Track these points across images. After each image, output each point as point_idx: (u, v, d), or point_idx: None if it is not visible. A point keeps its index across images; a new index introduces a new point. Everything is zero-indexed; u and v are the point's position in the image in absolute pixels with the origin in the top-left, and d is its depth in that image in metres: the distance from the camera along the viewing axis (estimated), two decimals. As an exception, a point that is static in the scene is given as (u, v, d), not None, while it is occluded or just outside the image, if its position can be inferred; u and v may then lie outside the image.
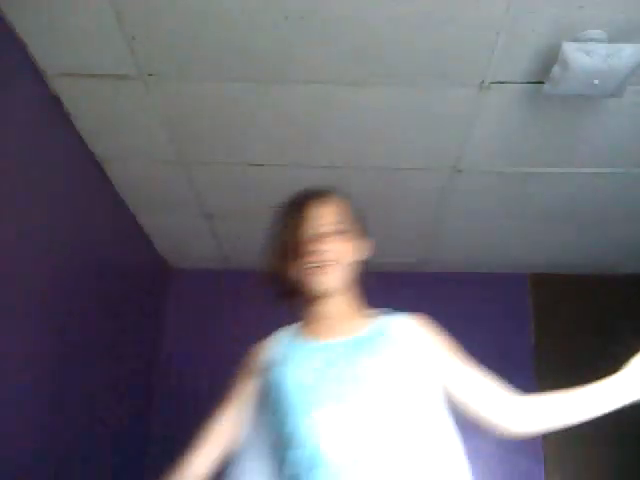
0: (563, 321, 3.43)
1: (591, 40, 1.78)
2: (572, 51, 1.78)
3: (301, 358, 1.30)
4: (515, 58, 1.90)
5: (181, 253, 3.44)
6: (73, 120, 2.22)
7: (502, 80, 2.00)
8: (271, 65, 1.94)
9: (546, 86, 1.95)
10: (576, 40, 1.79)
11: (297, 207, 1.41)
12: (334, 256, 1.33)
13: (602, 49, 1.77)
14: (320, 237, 1.33)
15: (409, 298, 3.41)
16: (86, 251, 2.43)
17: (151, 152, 2.43)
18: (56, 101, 2.10)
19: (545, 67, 1.90)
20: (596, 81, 1.86)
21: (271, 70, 1.96)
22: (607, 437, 3.18)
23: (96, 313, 2.54)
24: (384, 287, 3.66)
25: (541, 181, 2.59)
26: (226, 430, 1.39)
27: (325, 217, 1.37)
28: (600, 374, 3.57)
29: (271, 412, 1.31)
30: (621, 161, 2.43)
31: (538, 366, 3.33)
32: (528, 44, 1.84)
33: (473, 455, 3.62)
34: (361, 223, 1.46)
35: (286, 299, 1.45)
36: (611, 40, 1.78)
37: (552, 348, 3.36)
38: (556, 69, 1.86)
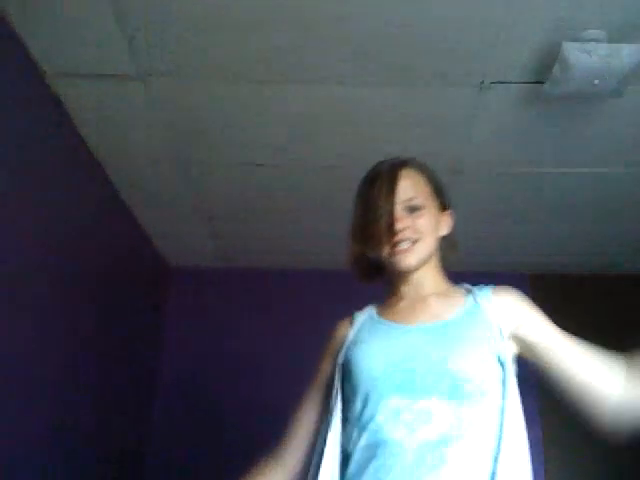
0: (563, 321, 3.42)
1: (591, 40, 1.78)
2: (572, 51, 1.78)
3: (383, 340, 1.25)
4: (515, 58, 1.90)
5: (181, 253, 3.44)
6: (73, 120, 2.22)
7: (502, 80, 2.00)
8: (271, 65, 1.94)
9: (546, 86, 1.95)
10: (576, 40, 1.79)
11: (372, 184, 1.35)
12: (413, 234, 1.28)
13: (602, 49, 1.77)
14: (397, 216, 1.28)
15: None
16: (86, 251, 2.43)
17: (151, 152, 2.43)
18: (56, 101, 2.10)
19: (545, 67, 1.90)
20: (596, 81, 1.86)
21: (271, 70, 1.96)
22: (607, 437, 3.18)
23: (96, 313, 2.54)
24: (384, 287, 3.66)
25: (541, 181, 2.59)
26: (313, 418, 1.34)
27: (402, 193, 1.31)
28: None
29: (347, 391, 1.26)
30: (621, 161, 2.43)
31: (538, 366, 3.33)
32: (528, 44, 1.84)
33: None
34: (442, 194, 1.40)
35: (370, 279, 1.42)
36: (611, 40, 1.78)
37: (552, 348, 3.36)
38: (556, 69, 1.86)
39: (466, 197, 2.73)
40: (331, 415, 1.25)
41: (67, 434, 2.28)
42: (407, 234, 1.28)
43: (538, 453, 3.17)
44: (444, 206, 1.40)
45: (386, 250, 1.29)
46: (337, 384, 1.28)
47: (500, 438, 1.13)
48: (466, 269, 3.45)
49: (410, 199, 1.31)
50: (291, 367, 3.17)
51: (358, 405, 1.20)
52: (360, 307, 1.42)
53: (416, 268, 1.30)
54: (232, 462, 3.28)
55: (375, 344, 1.25)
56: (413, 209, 1.30)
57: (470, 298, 1.31)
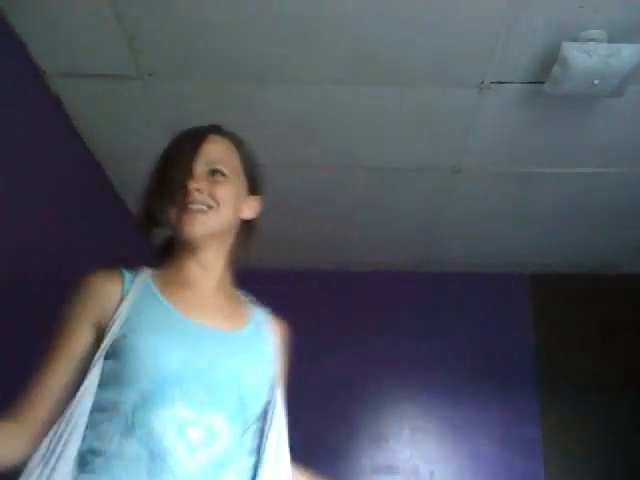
0: (563, 321, 3.43)
1: (591, 40, 1.78)
2: (572, 51, 1.78)
3: (176, 334, 1.06)
4: (515, 58, 1.90)
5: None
6: (73, 120, 2.22)
7: (502, 80, 1.99)
8: (271, 65, 1.94)
9: (546, 86, 1.95)
10: (576, 40, 1.79)
11: (178, 142, 1.24)
12: (208, 199, 1.13)
13: (602, 49, 1.77)
14: (195, 174, 1.14)
15: (409, 298, 3.44)
16: (86, 251, 2.43)
17: (151, 152, 2.42)
18: (56, 101, 2.10)
19: (545, 67, 1.90)
20: (596, 81, 1.86)
21: (271, 70, 1.96)
22: (607, 437, 3.18)
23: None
24: (384, 287, 3.67)
25: (541, 181, 2.59)
26: (62, 389, 1.09)
27: (206, 154, 1.19)
28: (600, 374, 3.60)
29: (109, 374, 1.05)
30: (621, 161, 2.43)
31: (538, 366, 3.33)
32: (528, 44, 1.84)
33: (474, 455, 3.63)
34: (254, 177, 1.29)
35: (160, 255, 1.23)
36: (611, 40, 1.78)
37: (552, 348, 3.36)
38: (556, 69, 1.86)
39: (466, 197, 2.73)
40: (79, 393, 1.04)
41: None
42: (200, 197, 1.13)
43: (538, 453, 3.17)
44: (254, 190, 1.28)
45: (174, 211, 1.13)
46: (99, 360, 1.05)
47: (261, 460, 1.08)
48: (466, 269, 3.47)
49: (214, 162, 1.18)
50: (290, 367, 3.17)
51: (128, 400, 1.01)
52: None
53: (201, 240, 1.14)
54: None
55: (167, 336, 1.05)
56: (215, 173, 1.17)
57: (255, 311, 1.23)
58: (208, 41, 1.85)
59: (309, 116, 2.19)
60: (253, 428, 1.10)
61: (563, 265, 3.44)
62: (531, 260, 3.40)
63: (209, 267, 1.18)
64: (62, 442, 0.99)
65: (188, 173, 1.14)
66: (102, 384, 1.04)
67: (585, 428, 3.20)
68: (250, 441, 1.09)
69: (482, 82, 2.00)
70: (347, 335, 3.18)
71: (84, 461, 1.00)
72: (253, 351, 1.14)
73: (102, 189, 2.60)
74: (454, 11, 1.73)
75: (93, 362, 1.05)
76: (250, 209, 1.27)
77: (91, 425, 1.01)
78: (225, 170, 1.19)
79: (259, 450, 1.09)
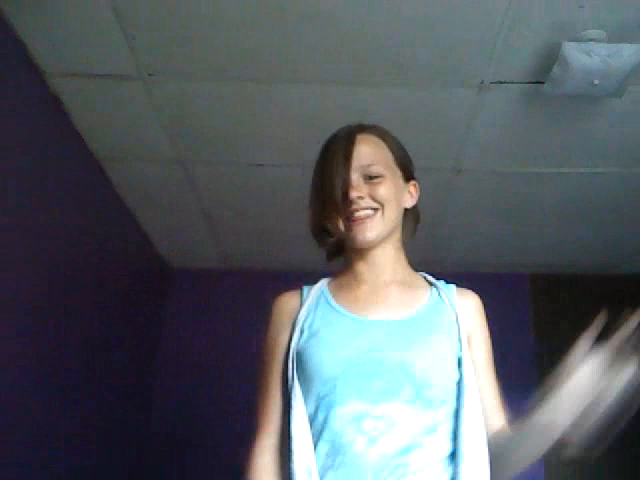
0: (563, 321, 3.43)
1: (591, 40, 1.78)
2: (572, 51, 1.78)
3: (341, 334, 1.11)
4: (515, 58, 1.90)
5: (181, 253, 3.44)
6: (73, 120, 2.22)
7: (502, 80, 1.99)
8: (271, 65, 1.94)
9: (546, 86, 1.95)
10: (576, 40, 1.79)
11: (329, 150, 1.24)
12: (372, 203, 1.16)
13: (602, 49, 1.77)
14: (352, 184, 1.16)
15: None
16: (86, 251, 2.43)
17: (151, 152, 2.43)
18: (56, 101, 2.10)
19: (545, 67, 1.90)
20: (596, 81, 1.86)
21: (271, 70, 1.96)
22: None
23: (96, 313, 2.54)
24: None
25: (541, 181, 2.59)
26: (281, 407, 1.15)
27: (358, 159, 1.19)
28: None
29: (301, 386, 1.11)
30: (621, 161, 2.43)
31: (538, 366, 3.34)
32: (528, 44, 1.84)
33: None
34: (406, 162, 1.28)
35: (333, 255, 1.28)
36: (611, 40, 1.78)
37: (552, 348, 3.36)
38: (556, 69, 1.86)
39: (466, 197, 2.73)
40: (291, 407, 1.09)
41: (66, 434, 2.28)
42: (364, 203, 1.16)
43: (538, 453, 3.17)
44: (408, 176, 1.26)
45: (342, 223, 1.17)
46: (293, 374, 1.12)
47: (458, 442, 1.06)
48: (466, 269, 3.47)
49: (368, 165, 1.19)
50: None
51: (311, 406, 1.09)
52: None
53: (375, 243, 1.18)
54: (232, 461, 3.28)
55: (332, 338, 1.11)
56: (372, 177, 1.18)
57: (434, 292, 1.21)
58: (208, 41, 1.85)
59: (310, 116, 2.19)
60: (447, 409, 1.08)
61: (563, 265, 3.44)
62: (531, 260, 3.40)
63: (379, 263, 1.21)
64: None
65: (347, 183, 1.16)
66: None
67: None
68: (446, 424, 1.07)
69: (482, 82, 2.00)
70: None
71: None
72: (426, 331, 1.12)
73: (102, 189, 2.60)
74: (454, 11, 1.73)
75: (291, 379, 1.12)
76: (410, 197, 1.26)
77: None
78: (380, 170, 1.19)
79: (458, 430, 1.07)
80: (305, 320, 1.16)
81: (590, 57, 1.78)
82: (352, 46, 1.86)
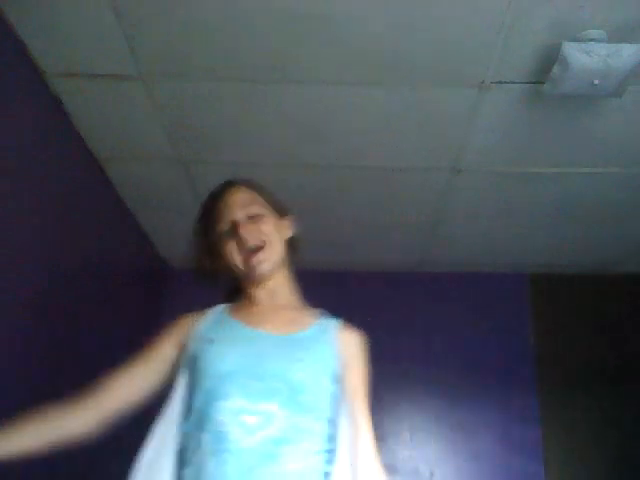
0: (563, 321, 3.43)
1: (591, 40, 1.78)
2: (572, 51, 1.78)
3: (233, 340, 1.29)
4: (515, 58, 1.90)
5: (181, 253, 3.42)
6: (73, 120, 2.22)
7: (502, 80, 2.00)
8: (271, 65, 1.94)
9: (546, 86, 1.95)
10: (576, 40, 1.79)
11: (211, 204, 1.43)
12: (260, 237, 1.35)
13: (602, 49, 1.77)
14: (240, 223, 1.35)
15: (409, 298, 3.44)
16: (86, 251, 2.43)
17: (151, 152, 2.43)
18: (56, 101, 2.10)
19: (545, 67, 1.90)
20: (596, 81, 1.86)
21: (271, 70, 1.96)
22: (607, 437, 3.18)
23: (95, 313, 2.54)
24: (384, 287, 3.67)
25: (541, 181, 2.59)
26: (135, 386, 1.38)
27: (238, 205, 1.39)
28: (600, 374, 3.59)
29: (188, 387, 1.29)
30: (621, 161, 2.43)
31: (538, 366, 3.34)
32: (528, 44, 1.84)
33: (473, 455, 3.63)
34: (277, 203, 1.48)
35: (232, 294, 1.46)
36: (611, 40, 1.78)
37: (552, 348, 3.36)
38: (556, 69, 1.86)
39: (466, 197, 2.73)
40: (167, 406, 1.29)
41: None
42: (253, 239, 1.34)
43: (538, 453, 3.17)
44: (282, 214, 1.47)
45: (238, 260, 1.36)
46: (182, 375, 1.31)
47: (334, 444, 1.23)
48: (466, 269, 3.47)
49: (248, 209, 1.38)
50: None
51: (198, 401, 1.24)
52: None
53: (271, 273, 1.37)
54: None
55: (225, 343, 1.28)
56: (253, 217, 1.38)
57: (321, 319, 1.39)
58: (208, 41, 1.85)
59: (309, 116, 2.19)
60: (322, 415, 1.24)
61: (563, 265, 3.44)
62: (531, 260, 3.40)
63: (273, 289, 1.39)
64: (165, 444, 1.25)
65: (236, 225, 1.35)
66: (184, 394, 1.28)
67: (585, 428, 3.20)
68: (321, 428, 1.23)
69: (482, 82, 2.00)
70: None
71: (181, 458, 1.23)
72: (307, 349, 1.29)
73: (102, 189, 2.60)
74: (454, 11, 1.73)
75: (177, 374, 1.31)
76: (288, 229, 1.47)
77: (179, 428, 1.26)
78: (258, 209, 1.40)
79: (332, 437, 1.25)
80: (204, 330, 1.34)
81: (590, 57, 1.78)
82: (352, 46, 1.86)
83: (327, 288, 3.43)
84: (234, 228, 1.35)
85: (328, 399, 1.26)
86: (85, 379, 2.45)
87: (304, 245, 1.50)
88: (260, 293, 1.39)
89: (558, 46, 1.80)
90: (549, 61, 1.87)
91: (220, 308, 1.42)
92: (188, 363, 1.31)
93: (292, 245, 1.48)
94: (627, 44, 1.77)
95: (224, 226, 1.37)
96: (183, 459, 1.23)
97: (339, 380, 1.29)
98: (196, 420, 1.23)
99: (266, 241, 1.36)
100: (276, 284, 1.40)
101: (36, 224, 2.01)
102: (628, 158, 2.41)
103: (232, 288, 1.46)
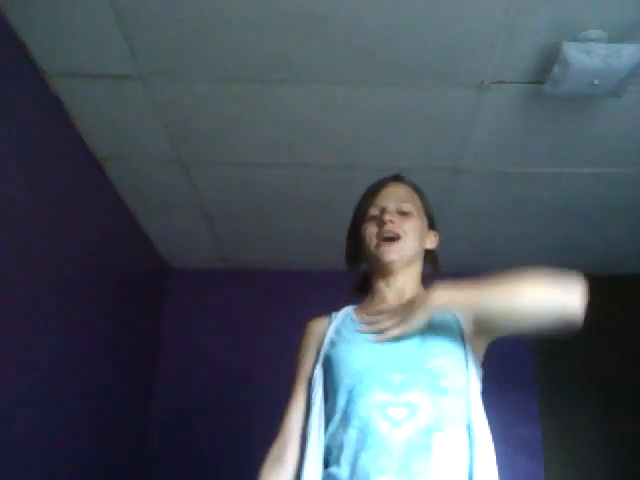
0: (563, 321, 3.43)
1: (591, 40, 1.78)
2: (572, 51, 1.78)
3: (359, 340, 1.31)
4: (515, 58, 1.90)
5: (181, 253, 3.44)
6: (73, 120, 2.22)
7: (502, 80, 2.00)
8: (271, 65, 1.94)
9: (546, 86, 1.95)
10: (576, 40, 1.79)
11: (370, 191, 1.49)
12: (399, 230, 1.38)
13: (602, 49, 1.77)
14: (388, 210, 1.40)
15: (409, 298, 3.43)
16: (86, 251, 2.43)
17: (151, 152, 2.43)
18: (56, 101, 2.10)
19: (545, 67, 1.90)
20: (596, 81, 1.86)
21: (271, 70, 1.96)
22: (607, 437, 3.18)
23: (96, 313, 2.54)
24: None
25: (541, 181, 2.59)
26: (304, 414, 1.35)
27: (394, 197, 1.44)
28: (600, 374, 3.58)
29: (327, 389, 1.31)
30: (621, 161, 2.43)
31: (538, 366, 3.33)
32: (528, 44, 1.84)
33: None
34: (431, 215, 1.52)
35: (358, 289, 1.50)
36: (611, 40, 1.78)
37: (552, 348, 3.36)
38: (556, 69, 1.86)
39: (466, 197, 2.73)
40: (311, 411, 1.29)
41: (65, 434, 2.28)
42: (393, 227, 1.38)
43: (538, 453, 3.17)
44: (431, 226, 1.51)
45: (374, 242, 1.39)
46: (319, 380, 1.32)
47: (471, 428, 1.22)
48: (466, 269, 3.46)
49: (402, 204, 1.43)
50: (291, 367, 3.17)
51: (341, 401, 1.25)
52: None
53: (398, 265, 1.39)
54: (234, 462, 3.28)
55: (358, 342, 1.31)
56: (403, 213, 1.41)
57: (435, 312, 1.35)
58: (208, 41, 1.85)
59: (309, 116, 2.19)
60: (461, 398, 1.24)
61: (563, 265, 3.43)
62: (531, 260, 3.40)
63: (400, 287, 1.40)
64: (318, 451, 1.25)
65: (384, 211, 1.40)
66: (323, 397, 1.31)
67: (585, 428, 3.20)
68: (459, 410, 1.23)
69: (482, 82, 2.00)
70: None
71: (327, 459, 1.24)
72: (435, 339, 1.28)
73: (102, 189, 2.60)
74: (454, 11, 1.73)
75: (314, 378, 1.33)
76: (431, 241, 1.51)
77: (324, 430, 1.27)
78: (410, 208, 1.43)
79: (470, 418, 1.23)
80: (334, 333, 1.37)
81: (590, 57, 1.79)
82: (352, 46, 1.86)
83: (327, 288, 3.44)
84: (381, 214, 1.40)
85: (465, 381, 1.26)
86: (84, 378, 2.45)
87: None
88: (385, 289, 1.41)
89: (558, 46, 1.80)
90: (549, 61, 1.87)
91: (347, 309, 1.44)
92: (323, 366, 1.34)
93: (429, 258, 1.51)
94: (627, 44, 1.77)
95: (374, 211, 1.42)
96: (330, 459, 1.24)
97: (469, 360, 1.29)
98: (340, 419, 1.24)
99: (402, 235, 1.38)
100: (405, 285, 1.40)
101: (36, 224, 2.01)
102: (628, 158, 2.41)
103: (361, 283, 1.50)
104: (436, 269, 1.53)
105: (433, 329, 1.30)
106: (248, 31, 1.81)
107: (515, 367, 3.29)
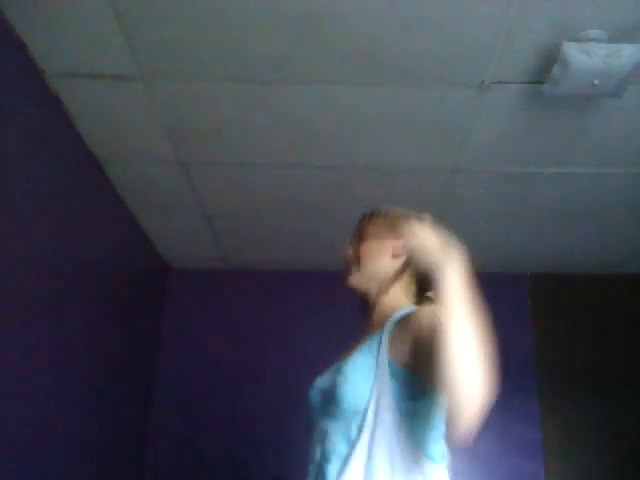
0: (563, 321, 3.43)
1: (591, 40, 1.78)
2: (572, 51, 1.78)
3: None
4: (515, 58, 1.90)
5: (181, 253, 3.44)
6: (73, 120, 2.22)
7: (502, 80, 2.00)
8: (271, 65, 1.94)
9: (546, 86, 1.95)
10: (576, 40, 1.79)
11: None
12: (353, 260, 1.47)
13: (602, 49, 1.77)
14: (348, 247, 1.51)
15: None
16: (86, 251, 2.43)
17: (151, 152, 2.43)
18: (56, 101, 2.10)
19: (545, 67, 1.90)
20: (596, 81, 1.86)
21: (271, 70, 1.96)
22: (607, 437, 3.18)
23: (96, 313, 2.54)
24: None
25: (541, 181, 2.59)
26: None
27: (355, 232, 1.54)
28: (600, 374, 3.58)
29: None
30: (621, 161, 2.43)
31: (538, 366, 3.34)
32: (528, 44, 1.84)
33: (473, 455, 3.63)
34: (394, 224, 1.50)
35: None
36: (611, 40, 1.78)
37: (552, 348, 3.36)
38: (556, 69, 1.86)
39: (466, 197, 2.73)
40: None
41: (65, 433, 2.28)
42: (350, 260, 1.49)
43: (538, 453, 3.17)
44: (397, 235, 1.44)
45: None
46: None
47: (370, 454, 1.18)
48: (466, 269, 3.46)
49: (359, 232, 1.53)
50: (291, 367, 3.17)
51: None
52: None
53: (358, 289, 1.47)
54: (234, 461, 3.27)
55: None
56: (356, 240, 1.52)
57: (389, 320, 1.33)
58: (208, 41, 1.85)
59: (309, 116, 2.19)
60: (357, 424, 1.22)
61: (563, 265, 3.44)
62: (531, 260, 3.40)
63: (381, 310, 1.41)
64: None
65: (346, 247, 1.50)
66: None
67: (585, 428, 3.20)
68: (354, 436, 1.21)
69: (482, 82, 2.00)
70: (347, 335, 3.18)
71: None
72: (350, 363, 1.28)
73: (102, 189, 2.60)
74: (454, 11, 1.73)
75: None
76: (397, 250, 1.46)
77: None
78: (364, 235, 1.50)
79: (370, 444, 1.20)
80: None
81: (590, 57, 1.78)
82: (352, 46, 1.86)
83: (327, 288, 3.44)
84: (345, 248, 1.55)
85: (366, 406, 1.25)
86: (84, 378, 2.45)
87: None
88: (373, 313, 1.44)
89: (558, 46, 1.80)
90: (549, 61, 1.87)
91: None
92: None
93: (411, 261, 1.44)
94: (627, 44, 1.77)
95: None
96: None
97: (378, 387, 1.24)
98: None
99: (358, 264, 1.51)
100: (385, 306, 1.41)
101: (36, 224, 2.01)
102: (628, 158, 2.41)
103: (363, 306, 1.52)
104: (422, 269, 1.37)
105: (358, 353, 1.31)
106: (248, 31, 1.81)
107: (515, 367, 3.29)
